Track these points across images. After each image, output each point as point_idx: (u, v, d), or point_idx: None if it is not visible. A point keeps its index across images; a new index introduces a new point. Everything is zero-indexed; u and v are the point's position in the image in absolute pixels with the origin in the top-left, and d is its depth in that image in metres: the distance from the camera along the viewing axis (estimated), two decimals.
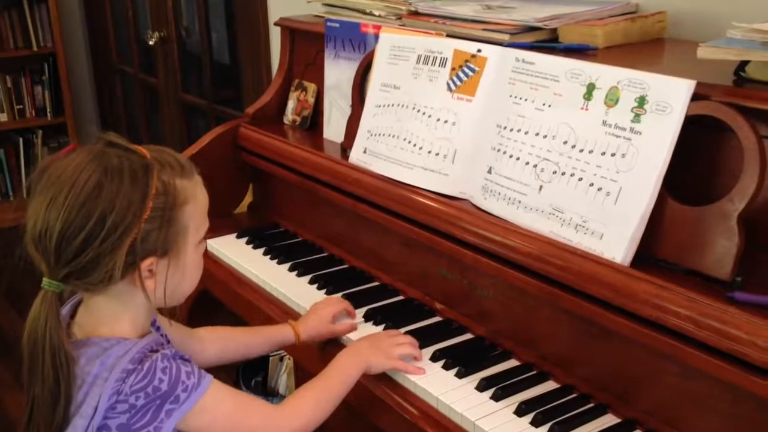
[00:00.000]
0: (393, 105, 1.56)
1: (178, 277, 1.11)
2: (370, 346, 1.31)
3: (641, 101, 1.15)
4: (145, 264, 1.06)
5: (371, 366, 1.28)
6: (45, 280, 1.05)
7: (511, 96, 1.35)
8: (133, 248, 1.03)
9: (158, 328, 1.22)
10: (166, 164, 1.08)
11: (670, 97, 1.12)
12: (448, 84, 1.46)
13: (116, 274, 1.03)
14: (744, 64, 1.16)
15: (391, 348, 1.31)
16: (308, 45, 1.94)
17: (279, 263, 1.73)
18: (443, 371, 1.30)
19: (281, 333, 1.43)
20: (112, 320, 1.10)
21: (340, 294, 1.56)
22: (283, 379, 2.49)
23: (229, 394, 1.13)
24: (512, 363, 1.33)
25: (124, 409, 1.03)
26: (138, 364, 1.04)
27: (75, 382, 1.06)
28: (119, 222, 1.02)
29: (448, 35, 1.53)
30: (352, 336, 1.42)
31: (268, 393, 2.47)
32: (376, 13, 1.79)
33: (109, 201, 1.01)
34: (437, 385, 1.27)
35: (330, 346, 1.44)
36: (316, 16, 1.97)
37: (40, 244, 1.03)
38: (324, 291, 1.59)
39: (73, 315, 1.14)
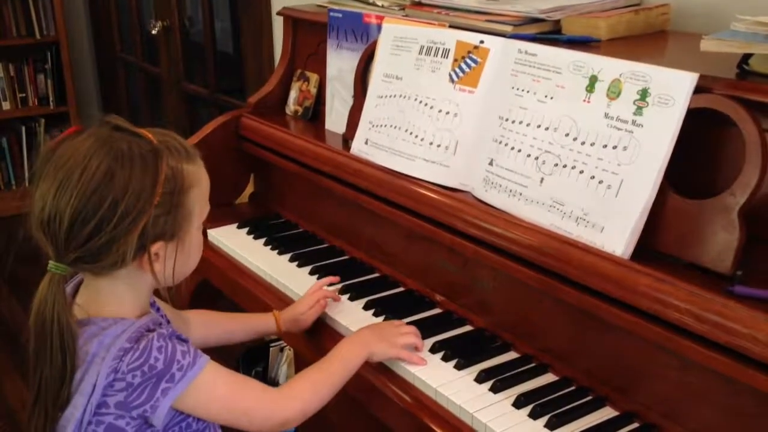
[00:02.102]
0: (395, 96, 1.55)
1: (184, 259, 1.13)
2: (373, 334, 1.31)
3: (644, 94, 1.15)
4: (154, 248, 1.07)
5: (374, 353, 1.28)
6: (52, 264, 1.06)
7: (513, 88, 1.34)
8: (144, 233, 1.05)
9: (158, 309, 1.23)
10: (173, 149, 1.09)
11: (673, 89, 1.11)
12: (450, 75, 1.46)
13: (128, 258, 1.05)
14: (747, 57, 1.16)
15: (394, 337, 1.31)
16: (311, 35, 1.94)
17: (280, 254, 1.73)
18: (442, 363, 1.30)
19: (264, 322, 1.46)
20: (116, 302, 1.11)
21: (340, 285, 1.56)
22: (283, 369, 2.50)
23: (225, 374, 1.13)
24: (511, 355, 1.33)
25: (121, 387, 1.05)
26: (135, 342, 1.06)
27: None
28: (131, 208, 1.03)
29: (450, 26, 1.53)
30: (351, 326, 1.42)
31: (269, 383, 2.47)
32: (379, 3, 1.78)
33: (121, 187, 1.03)
34: (436, 376, 1.27)
35: (321, 338, 1.44)
36: (319, 6, 1.96)
37: (48, 229, 1.04)
38: None
39: (74, 295, 1.15)
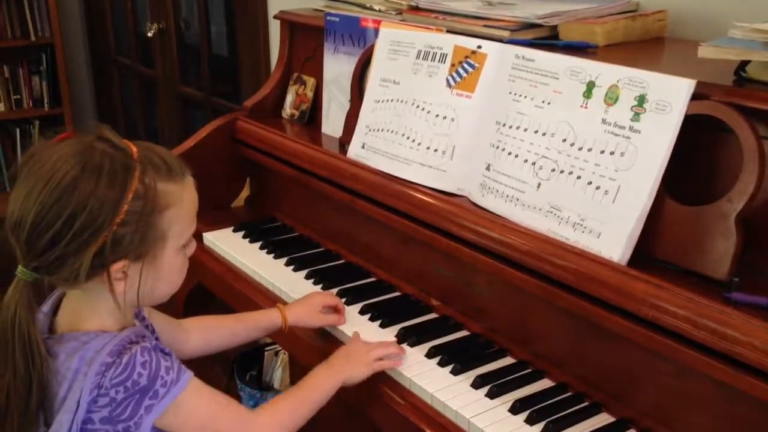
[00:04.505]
0: (392, 100, 1.55)
1: (153, 282, 1.09)
2: (344, 357, 1.29)
3: (641, 100, 1.15)
4: (116, 267, 1.04)
5: (348, 377, 1.26)
6: (19, 268, 1.05)
7: (510, 93, 1.34)
8: (102, 251, 1.01)
9: (143, 319, 1.22)
10: (151, 165, 1.05)
11: (670, 96, 1.12)
12: (447, 80, 1.46)
13: (81, 274, 1.01)
14: (745, 64, 1.16)
15: (363, 356, 1.29)
16: (308, 39, 1.93)
17: (275, 258, 1.72)
18: (439, 368, 1.30)
19: (268, 318, 1.42)
20: (91, 314, 1.09)
21: (336, 289, 1.55)
22: (277, 373, 2.49)
23: (206, 393, 1.12)
24: (508, 360, 1.33)
25: (105, 403, 1.03)
26: (117, 357, 1.04)
27: (54, 376, 1.05)
28: (88, 224, 0.99)
29: (448, 31, 1.53)
30: (346, 330, 1.42)
31: (263, 387, 2.47)
32: (377, 7, 1.78)
33: (81, 200, 0.99)
34: (432, 382, 1.26)
35: (326, 342, 1.44)
36: (316, 9, 1.96)
37: (14, 233, 1.03)
38: (320, 286, 1.59)
39: (56, 311, 1.13)
